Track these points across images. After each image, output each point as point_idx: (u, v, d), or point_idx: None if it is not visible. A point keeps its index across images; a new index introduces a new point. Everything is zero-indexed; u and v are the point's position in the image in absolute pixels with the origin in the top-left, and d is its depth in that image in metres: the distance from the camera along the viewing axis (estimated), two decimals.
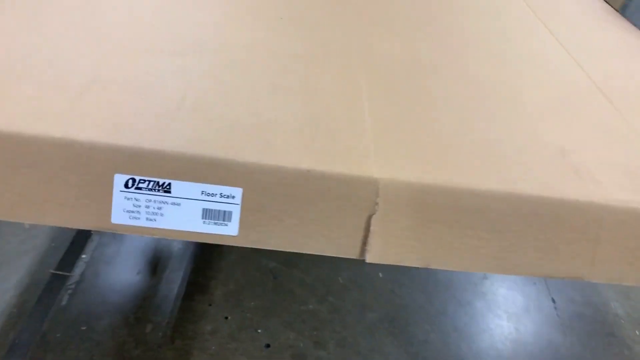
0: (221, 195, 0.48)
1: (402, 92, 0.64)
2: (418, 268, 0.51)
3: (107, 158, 0.47)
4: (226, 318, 1.24)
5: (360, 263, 1.51)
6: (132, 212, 0.48)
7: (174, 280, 1.28)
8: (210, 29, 0.69)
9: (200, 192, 0.48)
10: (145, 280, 1.28)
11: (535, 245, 0.51)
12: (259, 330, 1.22)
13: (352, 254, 0.50)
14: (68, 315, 1.16)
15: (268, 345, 1.20)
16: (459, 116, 0.61)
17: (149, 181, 0.48)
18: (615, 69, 0.81)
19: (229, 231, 0.49)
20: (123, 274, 1.29)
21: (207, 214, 0.48)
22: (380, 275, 1.44)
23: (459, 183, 0.50)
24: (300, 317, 1.28)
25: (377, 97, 0.61)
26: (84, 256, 1.30)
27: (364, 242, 0.50)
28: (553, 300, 1.48)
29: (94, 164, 0.47)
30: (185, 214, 0.48)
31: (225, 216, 0.49)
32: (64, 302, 1.18)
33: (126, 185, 0.48)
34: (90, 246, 1.33)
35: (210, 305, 1.26)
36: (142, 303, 1.22)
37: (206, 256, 1.38)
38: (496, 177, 0.51)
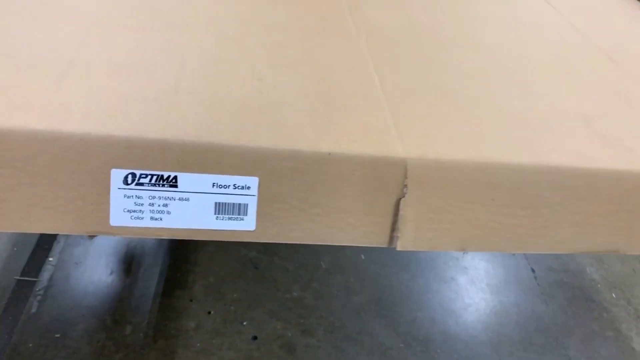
0: (235, 187, 0.43)
1: (410, 61, 0.60)
2: None
3: (101, 151, 0.41)
4: (209, 313, 1.18)
5: (341, 247, 1.48)
6: (134, 211, 0.42)
7: (151, 278, 1.22)
8: (195, 1, 0.63)
9: (212, 184, 0.42)
10: (119, 280, 1.20)
11: (572, 220, 0.48)
12: (244, 323, 1.18)
13: (381, 242, 0.46)
14: (39, 323, 1.08)
15: (255, 337, 1.15)
16: (474, 85, 0.57)
17: (152, 175, 0.42)
18: (616, 33, 0.79)
19: (245, 226, 0.44)
20: (95, 275, 1.21)
21: (220, 208, 0.43)
22: (363, 257, 1.41)
23: (491, 158, 0.46)
24: (286, 306, 1.24)
25: (385, 67, 0.57)
26: (50, 259, 1.21)
27: (393, 229, 0.46)
28: (532, 270, 1.49)
29: (85, 159, 0.40)
30: (196, 210, 0.43)
31: (240, 209, 0.43)
32: (33, 310, 1.10)
33: (125, 182, 0.41)
34: (57, 248, 1.24)
35: (191, 300, 1.20)
36: (119, 304, 1.15)
37: (182, 250, 1.32)
38: (527, 150, 0.48)
